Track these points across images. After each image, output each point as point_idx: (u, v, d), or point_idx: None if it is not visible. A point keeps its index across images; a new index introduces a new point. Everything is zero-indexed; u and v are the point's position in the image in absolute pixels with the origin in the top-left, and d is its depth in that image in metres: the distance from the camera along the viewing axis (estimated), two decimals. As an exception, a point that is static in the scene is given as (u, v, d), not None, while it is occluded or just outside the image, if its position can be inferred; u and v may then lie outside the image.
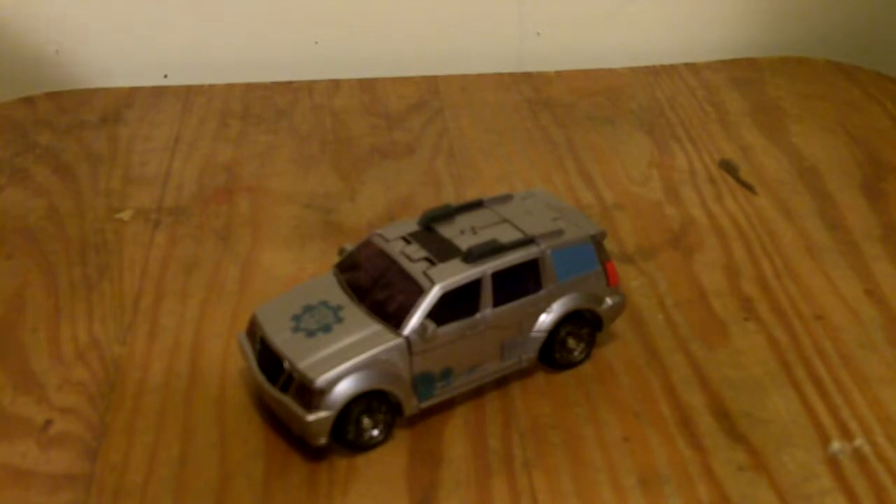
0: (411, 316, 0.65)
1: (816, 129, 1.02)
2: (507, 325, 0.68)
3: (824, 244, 0.85)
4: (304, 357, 0.64)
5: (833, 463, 0.65)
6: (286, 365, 0.64)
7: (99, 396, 0.70)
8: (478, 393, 0.69)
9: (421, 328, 0.64)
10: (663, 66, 1.14)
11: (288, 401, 0.64)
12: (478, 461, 0.65)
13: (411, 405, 0.66)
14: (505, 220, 0.70)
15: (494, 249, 0.66)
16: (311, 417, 0.63)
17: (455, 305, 0.65)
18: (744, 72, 1.13)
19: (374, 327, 0.65)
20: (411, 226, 0.70)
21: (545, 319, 0.69)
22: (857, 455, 0.65)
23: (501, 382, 0.70)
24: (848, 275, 0.81)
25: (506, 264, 0.67)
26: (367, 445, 0.65)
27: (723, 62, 1.15)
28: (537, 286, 0.68)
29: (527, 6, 1.16)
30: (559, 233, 0.69)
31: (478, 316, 0.66)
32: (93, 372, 0.72)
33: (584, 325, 0.71)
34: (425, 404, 0.67)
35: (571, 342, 0.71)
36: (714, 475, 0.64)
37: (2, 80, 1.12)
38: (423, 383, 0.66)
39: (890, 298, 0.79)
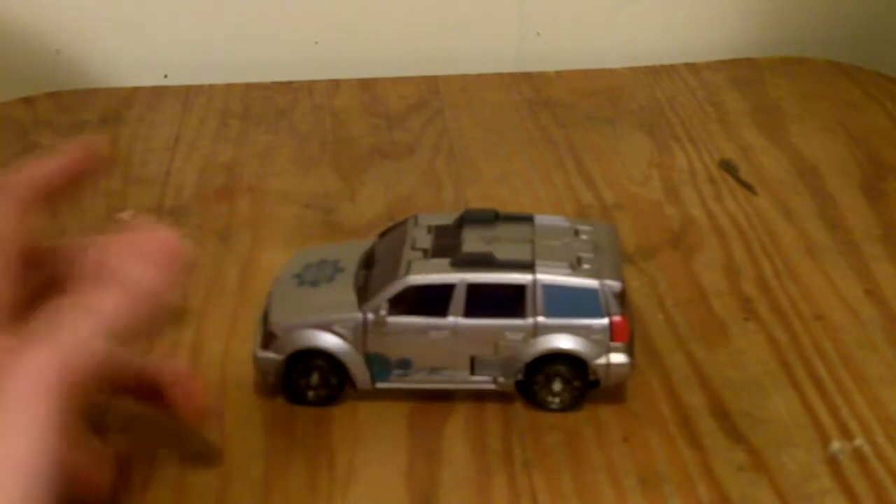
0: (375, 297, 0.66)
1: (816, 129, 1.02)
2: (478, 341, 0.66)
3: (824, 244, 0.85)
4: (280, 301, 0.69)
5: (833, 463, 0.65)
6: (265, 302, 0.70)
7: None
8: (478, 393, 0.69)
9: (375, 310, 0.66)
10: (663, 66, 1.14)
11: (257, 335, 0.69)
12: (478, 461, 0.65)
13: (364, 381, 0.67)
14: (531, 241, 0.68)
15: (484, 262, 0.66)
16: (261, 354, 0.68)
17: (422, 302, 0.66)
18: (744, 72, 1.13)
19: (349, 296, 0.67)
20: (448, 219, 0.71)
21: (525, 350, 0.66)
22: (857, 455, 0.65)
23: (501, 382, 0.70)
24: (848, 275, 0.81)
25: (486, 280, 0.65)
26: (302, 399, 0.68)
27: (723, 62, 1.15)
28: (520, 313, 0.66)
29: (527, 6, 1.16)
30: (564, 270, 0.66)
31: (445, 320, 0.66)
32: (93, 372, 0.72)
33: (576, 373, 0.67)
34: (381, 386, 0.68)
35: (556, 386, 0.67)
36: (714, 475, 0.64)
37: (2, 80, 1.12)
38: (377, 364, 0.67)
39: (890, 298, 0.79)
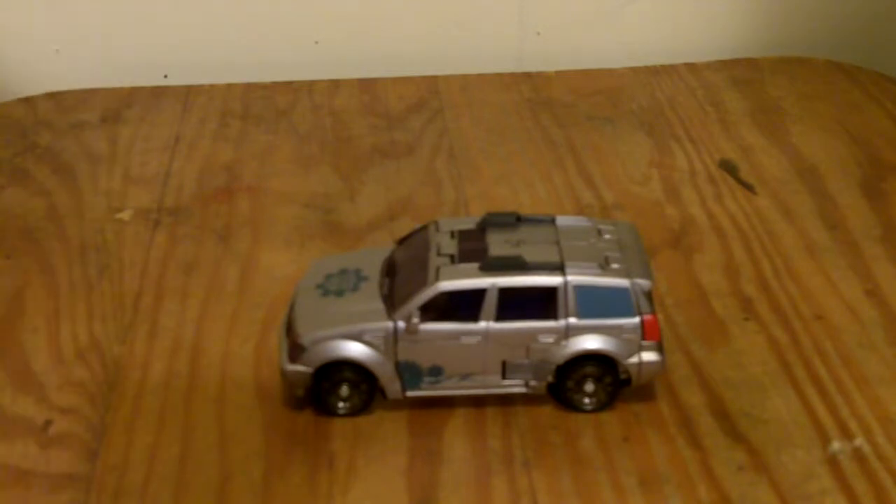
0: (405, 304, 0.65)
1: (816, 129, 1.02)
2: (510, 344, 0.66)
3: (824, 244, 0.85)
4: (305, 312, 0.67)
5: (833, 463, 0.65)
6: (289, 314, 0.68)
7: (99, 396, 0.70)
8: (504, 397, 0.68)
9: (407, 318, 0.65)
10: (663, 66, 1.14)
11: (283, 346, 0.68)
12: (478, 461, 0.65)
13: (395, 390, 0.67)
14: (556, 243, 0.67)
15: (514, 266, 0.65)
16: (289, 367, 0.66)
17: (454, 308, 0.65)
18: (744, 72, 1.13)
19: (377, 305, 0.66)
20: (469, 223, 0.70)
21: (557, 352, 0.66)
22: (857, 455, 0.65)
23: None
24: (848, 275, 0.81)
25: (518, 283, 0.65)
26: (332, 411, 0.68)
27: (723, 62, 1.15)
28: (552, 315, 0.65)
29: (527, 6, 1.16)
30: (594, 270, 0.66)
31: (476, 325, 0.66)
32: (93, 372, 0.72)
33: (608, 373, 0.67)
34: (412, 395, 0.67)
35: (589, 387, 0.67)
36: (714, 475, 0.64)
37: (2, 80, 1.12)
38: (408, 372, 0.67)
39: (890, 298, 0.79)
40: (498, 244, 0.67)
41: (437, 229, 0.70)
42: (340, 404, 0.67)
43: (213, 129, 1.03)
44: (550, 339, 0.66)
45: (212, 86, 1.10)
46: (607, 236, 0.69)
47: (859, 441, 0.66)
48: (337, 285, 0.69)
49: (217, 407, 0.69)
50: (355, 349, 0.66)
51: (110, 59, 1.14)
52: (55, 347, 0.75)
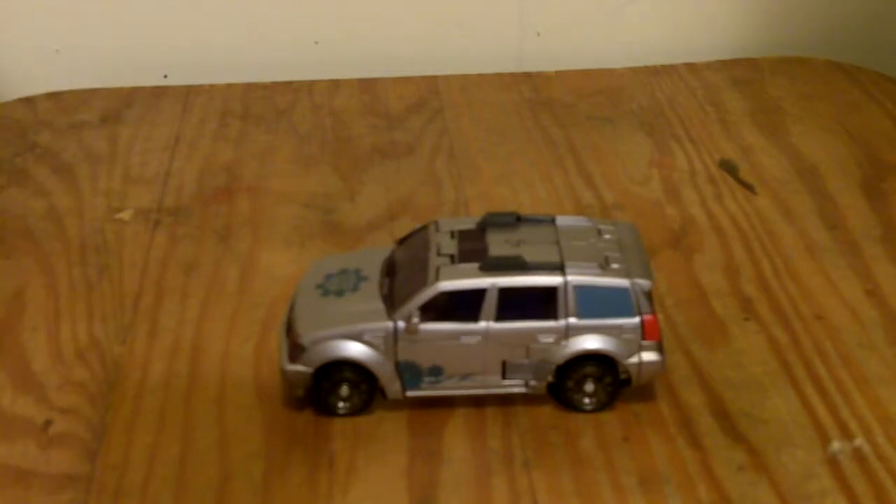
0: (405, 304, 0.65)
1: (816, 129, 1.02)
2: (511, 344, 0.66)
3: (824, 244, 0.85)
4: (305, 312, 0.68)
5: (833, 463, 0.65)
6: (290, 314, 0.68)
7: (99, 396, 0.70)
8: (503, 397, 0.68)
9: (407, 318, 0.65)
10: (663, 66, 1.14)
11: (283, 346, 0.68)
12: (478, 461, 0.65)
13: (395, 390, 0.67)
14: (556, 243, 0.67)
15: (514, 265, 0.65)
16: (289, 367, 0.67)
17: (454, 308, 0.65)
18: (744, 72, 1.13)
19: (376, 305, 0.67)
20: (469, 223, 0.70)
21: (557, 352, 0.66)
22: (857, 455, 0.65)
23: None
24: (848, 275, 0.81)
25: (519, 283, 0.65)
26: (332, 411, 0.68)
27: (723, 62, 1.15)
28: (552, 315, 0.65)
29: (527, 6, 1.16)
30: (594, 270, 0.66)
31: (476, 325, 0.66)
32: (93, 372, 0.72)
33: (608, 373, 0.67)
34: (412, 395, 0.67)
35: (589, 387, 0.67)
36: (714, 475, 0.64)
37: (2, 80, 1.12)
38: (408, 372, 0.67)
39: (890, 298, 0.79)
40: (498, 244, 0.67)
41: (437, 229, 0.70)
42: (340, 404, 0.67)
43: (213, 129, 1.03)
44: (550, 339, 0.66)
45: (212, 86, 1.10)
46: (607, 236, 0.69)
47: (859, 441, 0.66)
48: (337, 285, 0.69)
49: (217, 407, 0.69)
50: (355, 349, 0.66)
51: (110, 59, 1.14)
52: (55, 347, 0.75)
